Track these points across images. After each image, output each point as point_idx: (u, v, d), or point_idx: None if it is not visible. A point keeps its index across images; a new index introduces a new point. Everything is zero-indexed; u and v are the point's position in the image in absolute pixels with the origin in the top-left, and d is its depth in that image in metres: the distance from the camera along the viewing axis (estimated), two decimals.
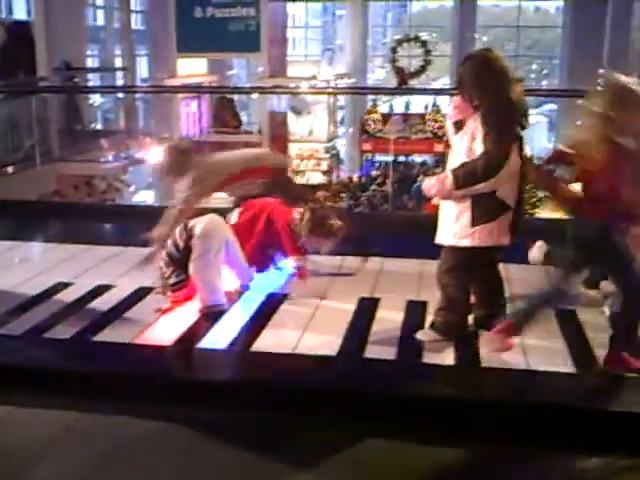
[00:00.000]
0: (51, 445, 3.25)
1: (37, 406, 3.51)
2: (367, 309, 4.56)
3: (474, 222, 3.79)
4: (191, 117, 13.62)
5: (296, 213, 4.91)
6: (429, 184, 3.89)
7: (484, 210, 3.75)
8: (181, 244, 4.53)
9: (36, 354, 4.01)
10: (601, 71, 17.91)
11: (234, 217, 5.02)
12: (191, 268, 4.46)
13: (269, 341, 4.09)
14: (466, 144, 3.78)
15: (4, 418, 3.49)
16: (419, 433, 3.22)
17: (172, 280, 4.57)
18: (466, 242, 3.84)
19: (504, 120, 3.72)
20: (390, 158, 17.31)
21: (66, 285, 4.97)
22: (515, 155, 3.72)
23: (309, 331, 4.23)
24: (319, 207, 5.04)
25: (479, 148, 3.70)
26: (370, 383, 3.58)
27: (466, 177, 3.72)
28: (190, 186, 5.07)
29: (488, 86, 3.75)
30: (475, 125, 3.75)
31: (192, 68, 14.14)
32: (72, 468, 3.10)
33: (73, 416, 3.47)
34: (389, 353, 3.92)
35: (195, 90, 13.11)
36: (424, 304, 4.50)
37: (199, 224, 4.54)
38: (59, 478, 3.06)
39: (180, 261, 4.52)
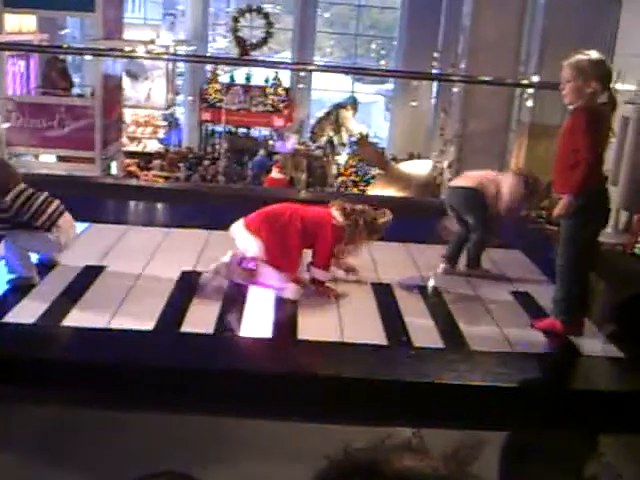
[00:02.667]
0: None
1: None
2: None
3: None
4: (18, 77, 12.79)
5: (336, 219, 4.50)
6: None
7: None
8: None
9: None
10: (435, 54, 18.66)
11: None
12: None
13: None
14: None
15: None
16: None
17: None
18: None
19: None
20: (228, 129, 17.22)
21: None
22: None
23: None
24: (365, 209, 4.65)
25: None
26: None
27: None
28: None
29: None
30: None
31: (20, 25, 13.26)
32: None
33: None
34: None
35: (23, 48, 12.30)
36: None
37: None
38: None
39: None
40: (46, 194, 4.44)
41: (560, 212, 4.00)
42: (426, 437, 1.19)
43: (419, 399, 3.50)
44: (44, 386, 3.42)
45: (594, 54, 3.95)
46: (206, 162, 14.76)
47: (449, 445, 1.10)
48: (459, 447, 1.12)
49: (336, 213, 4.52)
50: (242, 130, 19.15)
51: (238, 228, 4.52)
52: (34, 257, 4.53)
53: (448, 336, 4.05)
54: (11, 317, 3.92)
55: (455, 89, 13.58)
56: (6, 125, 11.13)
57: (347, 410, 3.37)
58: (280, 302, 4.37)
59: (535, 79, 10.30)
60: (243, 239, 4.48)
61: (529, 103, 10.69)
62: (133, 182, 10.26)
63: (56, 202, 4.47)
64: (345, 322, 4.14)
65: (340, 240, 4.54)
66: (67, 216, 4.52)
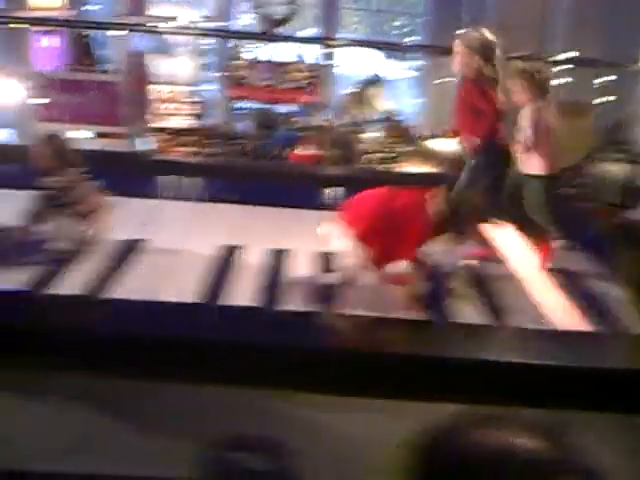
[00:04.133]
0: None
1: None
2: None
3: None
4: (45, 53, 12.81)
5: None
6: None
7: None
8: None
9: None
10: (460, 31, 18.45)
11: None
12: None
13: None
14: None
15: None
16: None
17: None
18: None
19: None
20: (256, 106, 17.15)
21: None
22: None
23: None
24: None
25: None
26: None
27: None
28: None
29: None
30: None
31: (46, 1, 13.26)
32: None
33: None
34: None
35: (50, 23, 12.30)
36: None
37: None
38: None
39: None
40: (94, 184, 4.43)
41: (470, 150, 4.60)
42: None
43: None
44: (80, 357, 3.41)
45: (483, 33, 4.69)
46: (231, 140, 14.71)
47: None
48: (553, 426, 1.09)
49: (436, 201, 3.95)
50: (268, 107, 19.05)
51: (339, 235, 3.96)
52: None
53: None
54: (54, 289, 3.93)
55: None
56: (38, 101, 11.15)
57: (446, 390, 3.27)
58: None
59: (565, 56, 10.12)
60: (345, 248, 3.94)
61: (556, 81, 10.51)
62: (166, 157, 10.25)
63: (99, 196, 4.46)
64: None
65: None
66: (105, 214, 4.52)
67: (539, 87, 4.71)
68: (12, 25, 10.39)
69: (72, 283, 4.01)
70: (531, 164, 4.74)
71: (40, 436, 2.89)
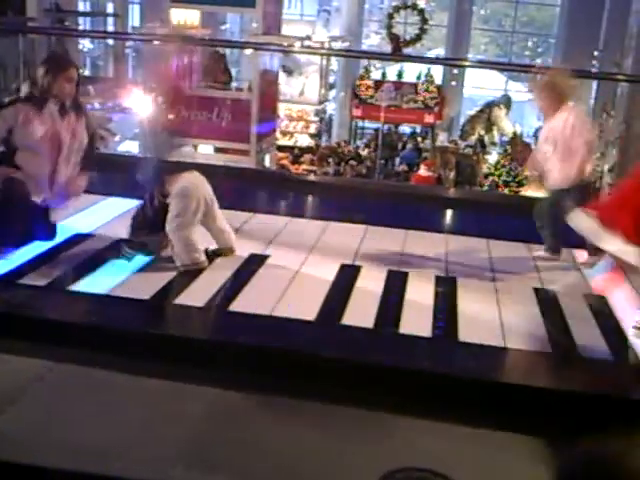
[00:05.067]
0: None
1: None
2: None
3: None
4: (182, 69, 13.37)
5: None
6: None
7: None
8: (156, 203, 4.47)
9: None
10: (595, 53, 17.87)
11: None
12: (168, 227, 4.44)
13: None
14: None
15: None
16: None
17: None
18: None
19: None
20: (378, 126, 17.26)
21: None
22: None
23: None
24: None
25: None
26: None
27: None
28: None
29: None
30: None
31: (185, 19, 13.86)
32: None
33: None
34: None
35: (189, 41, 12.84)
36: None
37: (177, 183, 4.50)
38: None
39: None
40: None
41: None
42: None
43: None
44: (206, 367, 3.53)
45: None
46: (352, 161, 14.83)
47: None
48: None
49: None
50: (390, 127, 19.09)
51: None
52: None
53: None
54: (181, 300, 4.09)
55: (619, 89, 12.93)
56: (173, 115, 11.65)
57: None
58: None
59: None
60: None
61: None
62: (288, 174, 10.45)
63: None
64: None
65: None
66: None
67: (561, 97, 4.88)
68: (155, 42, 10.92)
69: (196, 295, 4.16)
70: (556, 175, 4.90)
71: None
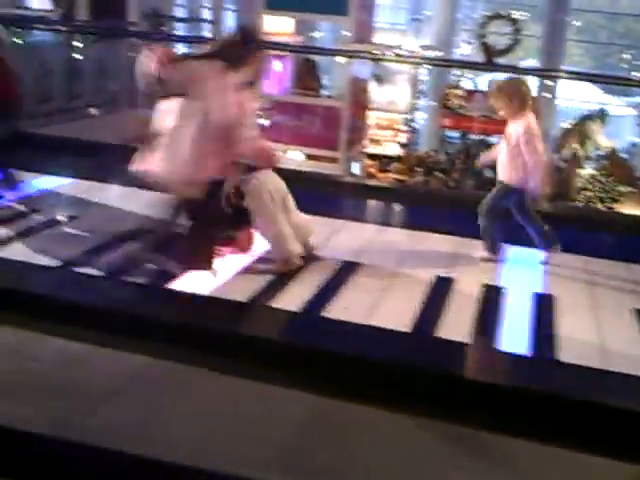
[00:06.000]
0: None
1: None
2: None
3: None
4: (274, 76, 13.53)
5: None
6: None
7: None
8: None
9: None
10: None
11: None
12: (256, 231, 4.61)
13: None
14: None
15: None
16: None
17: None
18: None
19: None
20: (467, 135, 17.03)
21: None
22: None
23: None
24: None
25: None
26: None
27: None
28: None
29: None
30: None
31: (279, 27, 14.01)
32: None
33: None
34: None
35: (283, 48, 13.00)
36: None
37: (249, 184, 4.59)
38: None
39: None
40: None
41: None
42: None
43: None
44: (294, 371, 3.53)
45: None
46: (438, 172, 14.63)
47: None
48: None
49: None
50: (478, 137, 18.81)
51: None
52: None
53: None
54: (276, 303, 4.13)
55: None
56: (265, 122, 11.81)
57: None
58: None
59: None
60: None
61: None
62: (381, 184, 10.36)
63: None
64: None
65: None
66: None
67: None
68: None
69: (286, 300, 4.19)
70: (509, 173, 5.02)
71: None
